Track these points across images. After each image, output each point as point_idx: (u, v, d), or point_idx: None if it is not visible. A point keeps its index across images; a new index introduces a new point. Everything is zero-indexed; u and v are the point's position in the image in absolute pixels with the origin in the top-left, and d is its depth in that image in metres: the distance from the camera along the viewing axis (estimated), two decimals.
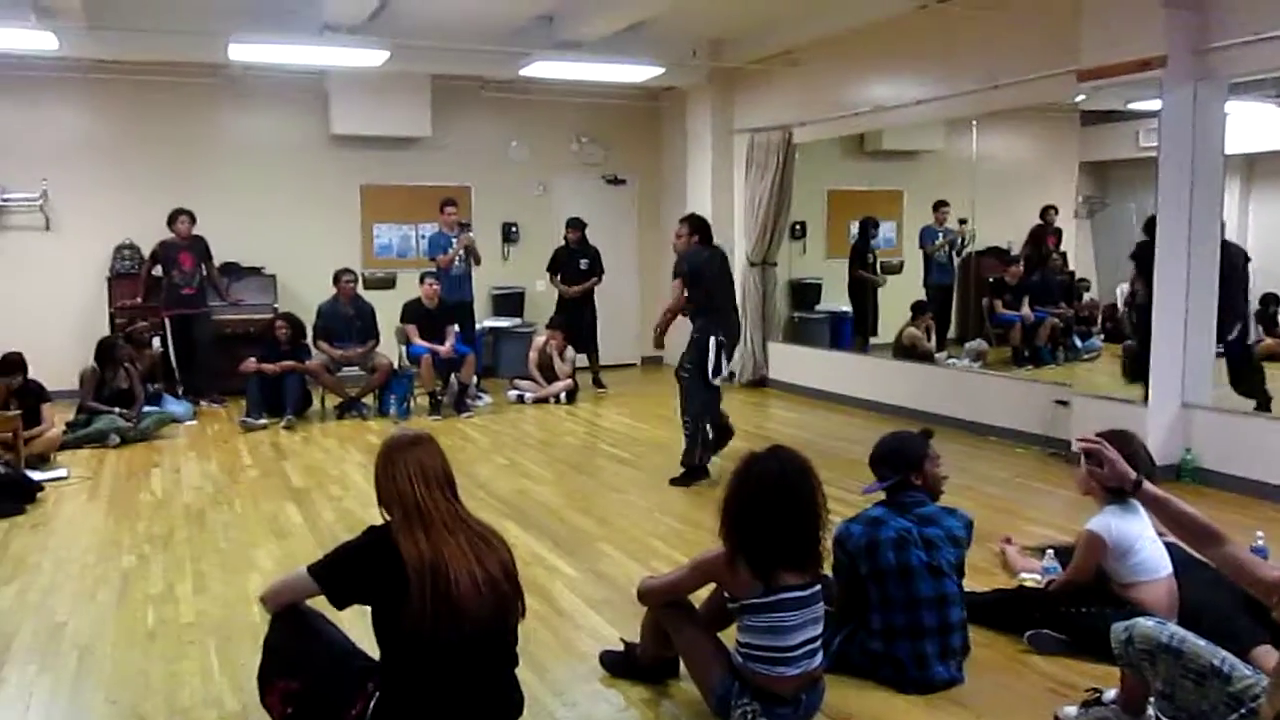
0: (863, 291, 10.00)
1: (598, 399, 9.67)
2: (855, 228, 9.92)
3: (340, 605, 2.72)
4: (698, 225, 6.50)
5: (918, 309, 9.33)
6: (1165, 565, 3.65)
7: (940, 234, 9.19)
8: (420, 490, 2.66)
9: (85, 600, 4.36)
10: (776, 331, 10.26)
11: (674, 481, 6.28)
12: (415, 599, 2.54)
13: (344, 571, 2.67)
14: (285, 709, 2.66)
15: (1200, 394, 6.18)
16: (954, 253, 9.25)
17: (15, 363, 7.02)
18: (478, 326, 9.95)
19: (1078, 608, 3.66)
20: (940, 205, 9.12)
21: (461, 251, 9.25)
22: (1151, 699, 2.90)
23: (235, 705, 3.32)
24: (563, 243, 10.13)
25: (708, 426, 6.25)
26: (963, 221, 9.03)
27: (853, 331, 10.07)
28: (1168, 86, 5.92)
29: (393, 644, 2.64)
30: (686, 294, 6.19)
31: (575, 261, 9.99)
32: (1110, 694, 3.11)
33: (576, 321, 9.82)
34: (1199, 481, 6.03)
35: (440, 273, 9.14)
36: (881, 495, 3.57)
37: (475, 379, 9.20)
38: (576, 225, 10.04)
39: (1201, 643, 2.67)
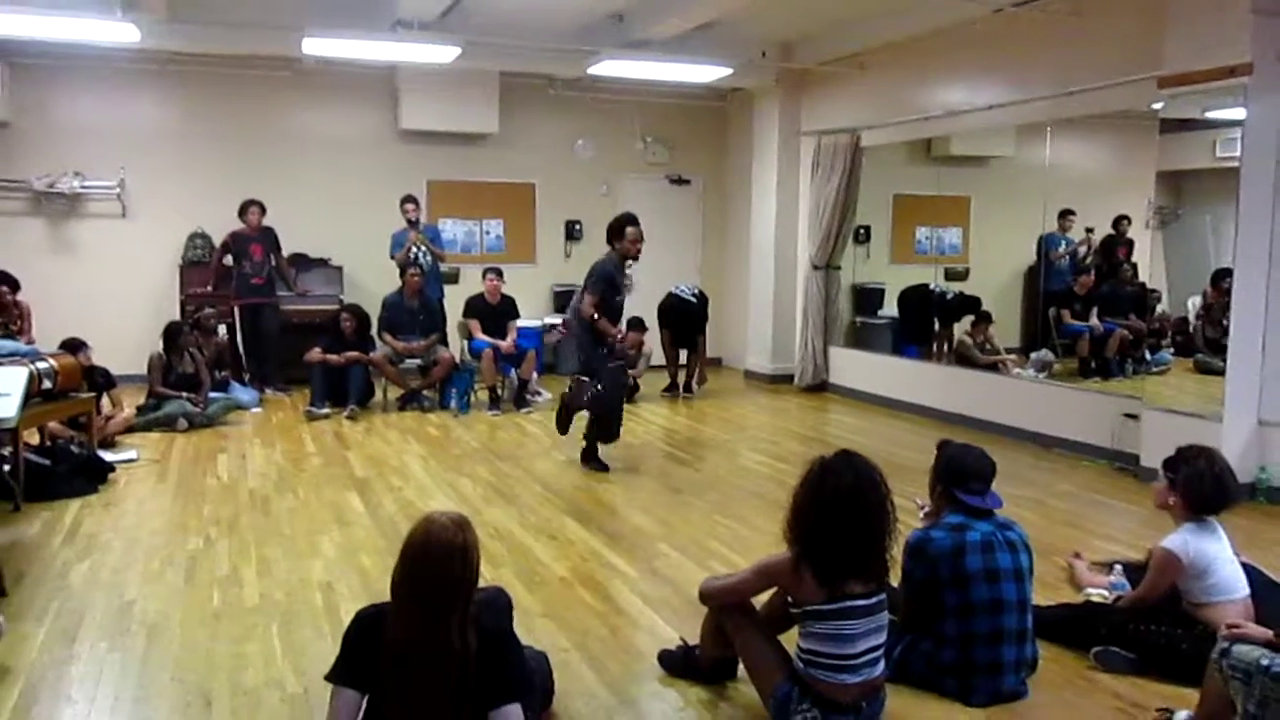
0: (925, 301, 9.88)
1: (661, 400, 9.64)
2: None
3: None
4: None
5: (979, 320, 9.21)
6: (1242, 587, 3.56)
7: (1064, 241, 9.04)
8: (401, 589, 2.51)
9: (153, 580, 4.45)
10: (838, 336, 10.17)
11: (595, 466, 6.61)
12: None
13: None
14: None
15: (1279, 410, 6.01)
16: (1074, 261, 9.09)
17: (80, 342, 7.17)
18: (539, 324, 9.95)
19: (1147, 626, 3.58)
20: (1066, 213, 8.94)
21: (419, 248, 9.17)
22: None
23: (297, 688, 3.37)
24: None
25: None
26: (1089, 230, 8.90)
27: (908, 340, 9.93)
28: (1253, 95, 5.77)
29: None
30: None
31: None
32: (1182, 715, 3.04)
33: None
34: (1274, 501, 5.86)
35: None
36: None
37: (535, 375, 9.24)
38: None
39: None
